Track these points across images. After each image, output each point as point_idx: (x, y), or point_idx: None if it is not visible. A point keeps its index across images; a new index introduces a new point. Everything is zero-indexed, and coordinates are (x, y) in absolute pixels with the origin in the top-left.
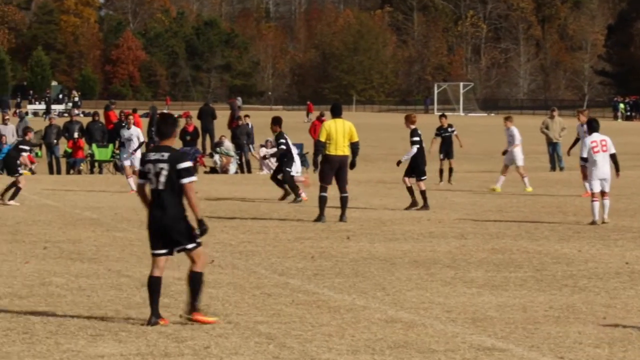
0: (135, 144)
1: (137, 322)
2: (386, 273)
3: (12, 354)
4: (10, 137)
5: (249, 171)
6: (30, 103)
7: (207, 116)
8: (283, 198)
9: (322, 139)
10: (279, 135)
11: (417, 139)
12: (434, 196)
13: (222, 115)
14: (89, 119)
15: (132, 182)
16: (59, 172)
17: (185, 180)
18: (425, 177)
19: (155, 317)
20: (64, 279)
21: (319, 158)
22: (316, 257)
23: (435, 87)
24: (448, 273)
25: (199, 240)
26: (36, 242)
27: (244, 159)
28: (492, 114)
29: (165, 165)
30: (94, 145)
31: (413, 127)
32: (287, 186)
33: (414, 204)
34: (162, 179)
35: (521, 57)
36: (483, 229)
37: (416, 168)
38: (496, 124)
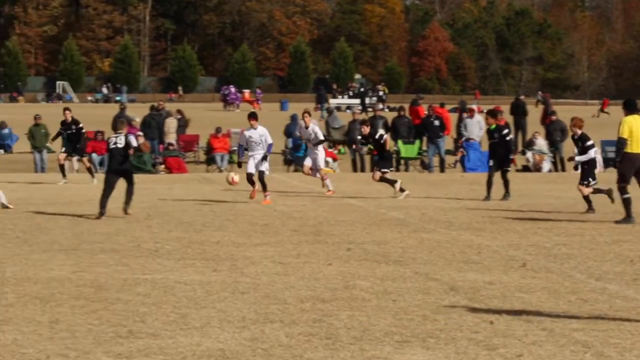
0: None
1: (446, 328)
2: None
3: None
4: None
5: (563, 169)
6: (334, 97)
7: (519, 111)
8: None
9: (625, 135)
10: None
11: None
12: None
13: (535, 111)
14: (394, 113)
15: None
16: (362, 170)
17: None
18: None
19: None
20: (368, 282)
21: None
22: (635, 260)
23: None
24: None
25: None
26: (339, 243)
27: (557, 157)
28: None
29: None
30: (399, 142)
31: (580, 132)
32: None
33: (590, 209)
34: None
35: None
36: None
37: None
38: None
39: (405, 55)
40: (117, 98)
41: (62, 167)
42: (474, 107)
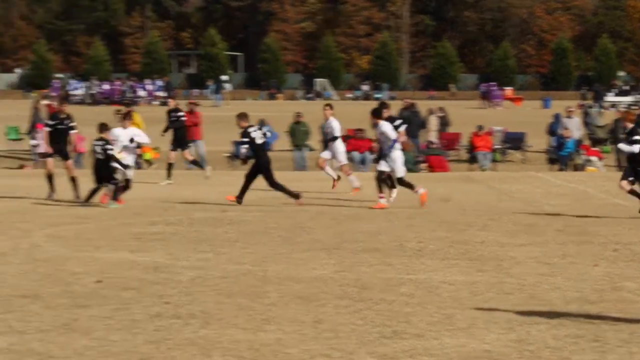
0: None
1: None
2: None
3: None
4: (575, 132)
5: None
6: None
7: None
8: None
9: None
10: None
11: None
12: None
13: None
14: None
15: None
16: None
17: None
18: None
19: None
20: (636, 283)
21: None
22: None
23: None
24: None
25: None
26: (606, 244)
27: None
28: None
29: None
30: None
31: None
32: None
33: None
34: None
35: None
36: None
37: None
38: None
39: None
40: (376, 95)
41: (49, 177)
42: None
